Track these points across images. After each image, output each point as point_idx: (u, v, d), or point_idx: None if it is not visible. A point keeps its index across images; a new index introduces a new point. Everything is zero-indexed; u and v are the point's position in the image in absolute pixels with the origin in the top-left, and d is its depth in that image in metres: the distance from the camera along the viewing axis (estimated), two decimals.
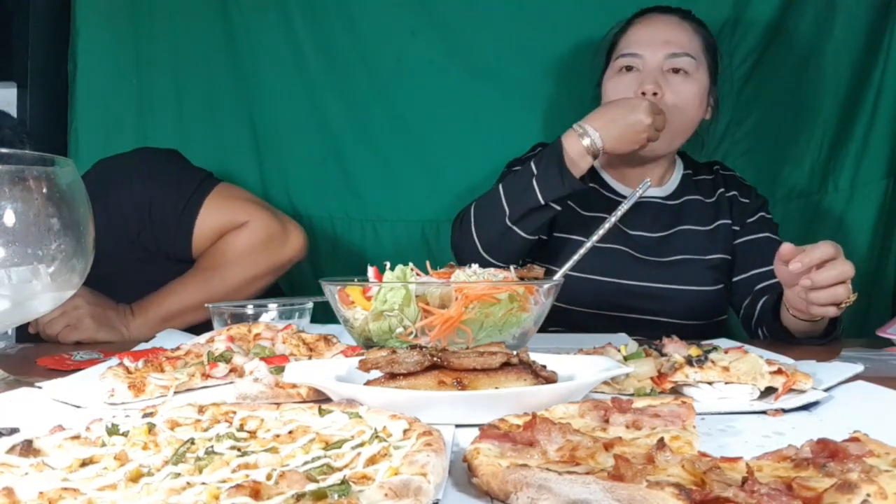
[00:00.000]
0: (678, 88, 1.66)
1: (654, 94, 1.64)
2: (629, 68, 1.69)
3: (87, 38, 2.14)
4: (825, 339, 1.43)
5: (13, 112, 2.04)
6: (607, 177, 1.85)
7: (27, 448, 0.63)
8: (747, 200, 1.82)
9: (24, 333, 1.56)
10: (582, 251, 1.33)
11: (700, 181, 1.85)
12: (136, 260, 1.72)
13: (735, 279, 1.77)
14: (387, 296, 1.09)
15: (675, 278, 1.73)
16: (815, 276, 1.23)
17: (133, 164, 1.73)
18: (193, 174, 1.76)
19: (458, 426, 0.78)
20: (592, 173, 1.79)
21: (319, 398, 0.89)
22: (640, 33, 1.72)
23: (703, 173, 1.88)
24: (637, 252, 1.74)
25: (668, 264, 1.74)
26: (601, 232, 1.34)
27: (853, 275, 1.24)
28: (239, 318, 1.35)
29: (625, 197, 1.76)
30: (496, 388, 0.84)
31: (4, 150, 0.99)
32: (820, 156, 2.13)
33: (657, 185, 1.82)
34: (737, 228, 1.79)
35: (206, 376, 1.02)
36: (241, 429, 0.70)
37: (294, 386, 0.91)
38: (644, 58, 1.68)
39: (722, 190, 1.83)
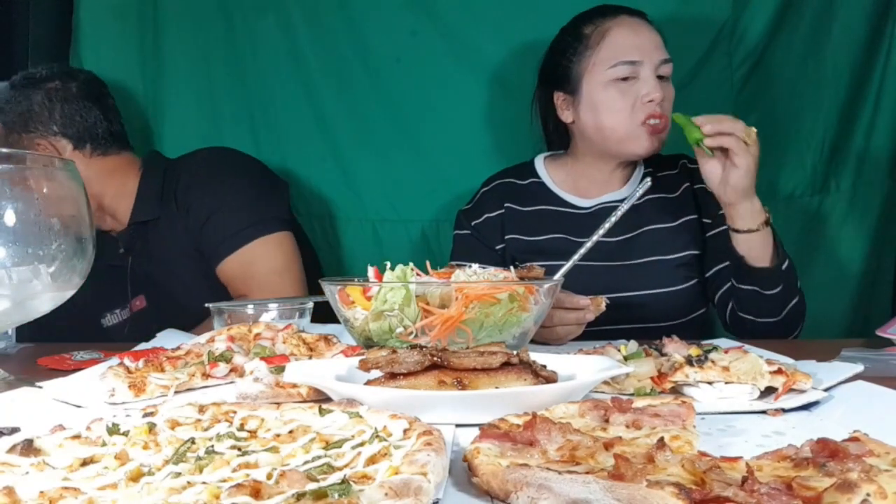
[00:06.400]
0: (667, 94, 1.67)
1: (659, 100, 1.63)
2: (624, 78, 1.65)
3: (89, 38, 2.14)
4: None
5: None
6: (563, 193, 1.82)
7: (28, 447, 0.63)
8: None
9: (25, 333, 1.56)
10: (582, 251, 1.34)
11: (662, 178, 1.80)
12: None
13: (708, 273, 1.73)
14: (387, 296, 1.09)
15: (645, 282, 1.69)
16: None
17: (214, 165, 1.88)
18: (270, 203, 1.87)
19: (458, 426, 0.78)
20: (547, 193, 1.82)
21: (320, 398, 0.89)
22: (629, 38, 1.67)
23: (665, 169, 1.83)
24: (600, 260, 1.65)
25: (636, 267, 1.70)
26: (601, 232, 1.34)
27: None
28: (239, 318, 1.35)
29: (583, 208, 1.78)
30: (496, 387, 0.84)
31: (4, 150, 0.99)
32: (821, 156, 2.12)
33: (619, 187, 1.80)
34: (707, 221, 1.75)
35: (206, 376, 1.02)
36: (241, 428, 0.70)
37: (294, 385, 0.91)
38: (644, 65, 1.64)
39: (687, 184, 1.79)
